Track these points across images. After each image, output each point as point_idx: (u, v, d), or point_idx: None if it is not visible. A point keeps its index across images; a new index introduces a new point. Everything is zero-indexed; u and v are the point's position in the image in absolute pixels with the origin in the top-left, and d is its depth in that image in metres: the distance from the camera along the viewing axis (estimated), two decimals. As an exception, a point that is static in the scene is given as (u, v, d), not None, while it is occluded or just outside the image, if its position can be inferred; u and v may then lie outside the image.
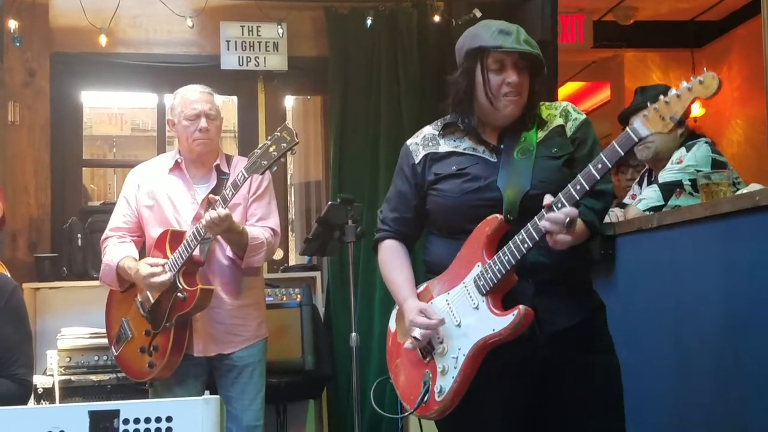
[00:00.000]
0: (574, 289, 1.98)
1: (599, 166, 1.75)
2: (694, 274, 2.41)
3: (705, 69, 1.69)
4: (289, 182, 5.23)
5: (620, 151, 1.73)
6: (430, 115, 4.40)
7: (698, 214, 2.38)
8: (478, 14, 4.11)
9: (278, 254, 4.34)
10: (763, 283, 2.09)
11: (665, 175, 2.85)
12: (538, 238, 1.80)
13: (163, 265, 2.77)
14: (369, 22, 4.37)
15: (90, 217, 4.07)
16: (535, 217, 1.81)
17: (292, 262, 4.89)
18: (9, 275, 2.91)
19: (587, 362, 1.94)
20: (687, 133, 3.01)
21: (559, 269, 1.91)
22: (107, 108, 8.26)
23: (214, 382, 2.97)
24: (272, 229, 2.97)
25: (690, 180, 2.78)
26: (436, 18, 4.36)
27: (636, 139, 1.72)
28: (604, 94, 7.01)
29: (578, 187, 1.77)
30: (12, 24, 4.10)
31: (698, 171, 2.73)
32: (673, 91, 1.68)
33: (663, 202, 2.79)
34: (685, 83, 1.68)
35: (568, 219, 1.75)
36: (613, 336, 2.05)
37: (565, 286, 1.94)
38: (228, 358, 2.94)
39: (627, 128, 1.74)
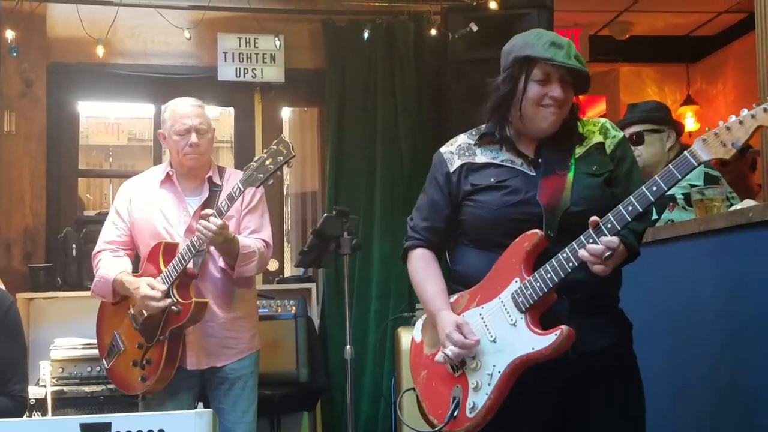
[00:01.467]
0: (607, 308, 1.95)
1: (654, 188, 1.72)
2: (688, 288, 2.42)
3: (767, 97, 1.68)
4: (285, 193, 5.23)
5: (678, 174, 1.70)
6: (426, 127, 4.44)
7: (692, 229, 2.39)
8: (475, 28, 4.13)
9: (273, 265, 4.33)
10: (757, 298, 2.10)
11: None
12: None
13: (162, 291, 2.75)
14: (366, 34, 4.38)
15: (85, 227, 4.06)
16: (581, 236, 1.78)
17: (287, 273, 4.88)
18: (4, 288, 2.91)
19: (615, 384, 1.91)
20: (680, 148, 3.03)
21: (595, 288, 1.86)
22: (104, 118, 8.24)
23: (205, 394, 2.96)
24: (265, 241, 2.96)
25: (683, 194, 2.79)
26: (433, 31, 4.37)
27: (695, 164, 1.69)
28: (600, 108, 7.04)
29: (630, 209, 1.74)
30: (9, 34, 4.10)
31: (691, 185, 2.74)
32: (733, 118, 1.66)
33: (656, 216, 2.80)
34: (746, 111, 1.65)
35: (609, 252, 1.74)
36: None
37: (599, 306, 1.91)
38: (220, 370, 2.93)
39: (685, 152, 1.71)
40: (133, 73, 4.41)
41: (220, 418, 2.93)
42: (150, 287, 2.77)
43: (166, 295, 2.75)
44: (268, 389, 3.50)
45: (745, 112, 1.66)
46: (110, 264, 2.94)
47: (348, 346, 3.29)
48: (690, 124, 5.90)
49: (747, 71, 5.36)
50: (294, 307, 3.87)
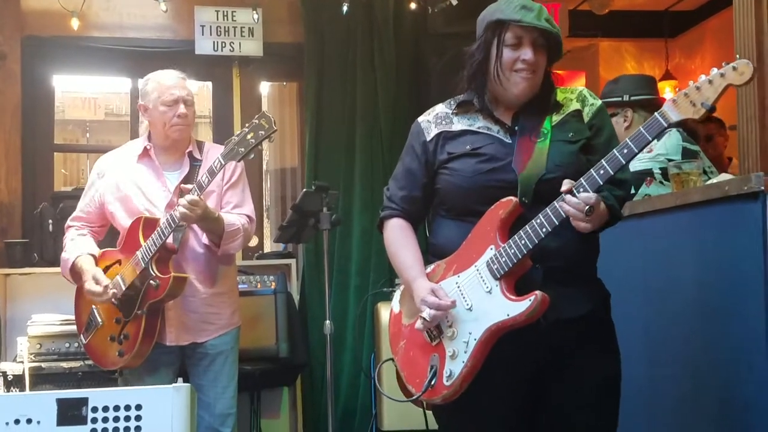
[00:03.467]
0: (582, 277, 1.95)
1: (625, 151, 1.73)
2: (665, 262, 2.44)
3: (737, 56, 1.67)
4: (264, 169, 5.20)
5: (648, 136, 1.70)
6: (405, 102, 4.42)
7: (669, 203, 2.41)
8: (454, 2, 4.10)
9: (253, 241, 4.32)
10: (732, 272, 2.12)
11: (635, 164, 2.87)
12: (557, 223, 1.77)
13: (105, 287, 2.76)
14: (345, 8, 4.34)
15: (61, 202, 4.01)
16: (554, 202, 1.78)
17: (267, 249, 4.87)
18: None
19: (590, 353, 1.91)
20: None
21: (569, 256, 1.87)
22: (80, 92, 8.14)
23: (185, 370, 2.95)
24: (248, 216, 2.95)
25: (660, 169, 2.80)
26: (413, 5, 4.34)
27: (665, 124, 1.69)
28: (579, 84, 7.05)
29: (602, 172, 1.74)
30: (-19, 6, 4.03)
31: (669, 160, 2.75)
32: (702, 77, 1.66)
33: (633, 191, 2.82)
34: (716, 69, 1.64)
35: (588, 206, 1.73)
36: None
37: (574, 274, 1.90)
38: (201, 346, 2.92)
39: (656, 113, 1.71)
40: (109, 47, 4.35)
41: (200, 394, 2.92)
42: (94, 281, 2.78)
43: (107, 289, 2.76)
44: (248, 365, 3.51)
45: (714, 71, 1.65)
46: (73, 245, 2.93)
47: (327, 322, 3.29)
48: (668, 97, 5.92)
49: (724, 46, 5.37)
50: (274, 283, 3.86)
